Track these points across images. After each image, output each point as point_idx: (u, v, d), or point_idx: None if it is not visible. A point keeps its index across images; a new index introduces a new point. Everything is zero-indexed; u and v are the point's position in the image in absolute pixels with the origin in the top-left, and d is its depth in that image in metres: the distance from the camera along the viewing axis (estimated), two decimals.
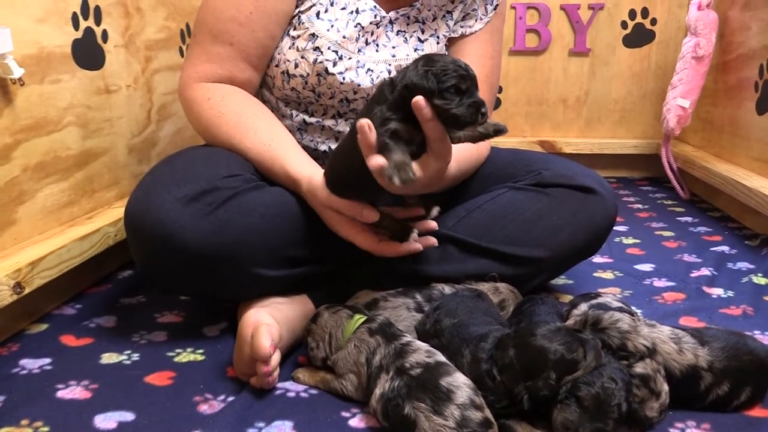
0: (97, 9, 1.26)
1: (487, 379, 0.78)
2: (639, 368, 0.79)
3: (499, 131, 0.81)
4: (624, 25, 2.23)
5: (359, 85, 1.08)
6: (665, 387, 0.79)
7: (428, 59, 0.82)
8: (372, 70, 1.09)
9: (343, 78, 1.07)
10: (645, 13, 2.22)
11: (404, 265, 1.03)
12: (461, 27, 1.17)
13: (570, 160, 1.18)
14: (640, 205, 1.93)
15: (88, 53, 1.23)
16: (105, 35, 1.29)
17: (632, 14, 2.22)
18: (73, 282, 1.20)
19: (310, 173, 0.97)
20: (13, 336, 1.05)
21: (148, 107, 1.46)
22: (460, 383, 0.75)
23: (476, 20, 1.17)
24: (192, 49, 1.10)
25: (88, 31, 1.23)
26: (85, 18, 1.22)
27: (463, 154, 1.05)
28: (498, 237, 1.06)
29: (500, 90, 2.29)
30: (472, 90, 0.79)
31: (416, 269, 1.04)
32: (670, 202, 1.96)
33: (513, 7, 2.22)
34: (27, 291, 0.98)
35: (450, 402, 0.72)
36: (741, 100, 1.77)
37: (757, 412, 0.84)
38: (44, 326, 1.09)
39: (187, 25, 1.61)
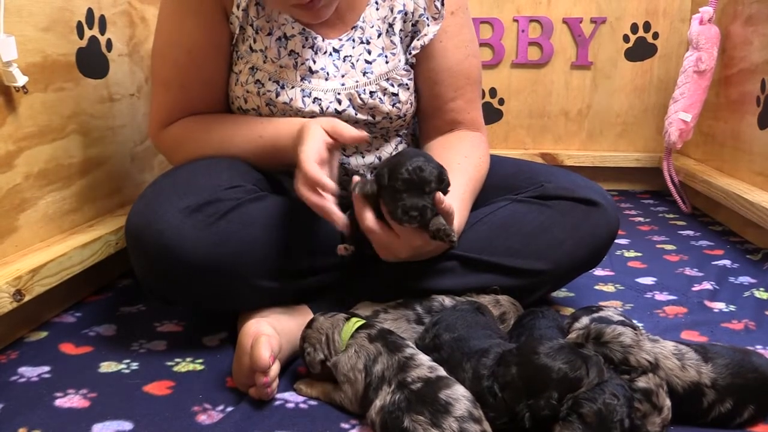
0: (102, 18, 1.26)
1: (488, 395, 0.77)
2: (641, 383, 0.78)
3: (441, 236, 0.92)
4: (626, 38, 2.24)
5: (312, 112, 1.06)
6: (668, 402, 0.78)
7: (399, 155, 0.93)
8: (320, 99, 1.07)
9: (291, 107, 1.06)
10: (647, 27, 2.22)
11: (405, 279, 1.03)
12: (418, 41, 1.11)
13: (572, 172, 1.18)
14: (641, 219, 1.93)
15: (92, 62, 1.23)
16: (109, 44, 1.29)
17: (634, 28, 2.23)
18: (74, 290, 1.20)
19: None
20: (12, 343, 1.05)
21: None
22: (458, 396, 0.74)
23: (428, 24, 1.11)
24: (152, 102, 1.12)
25: (93, 40, 1.24)
26: (90, 27, 1.23)
27: (475, 177, 1.10)
28: (499, 250, 1.05)
29: (502, 102, 2.30)
30: (412, 193, 0.89)
31: (417, 283, 1.03)
32: (671, 216, 1.96)
33: (515, 20, 2.23)
34: (27, 298, 0.98)
35: (448, 414, 0.72)
36: (743, 115, 1.78)
37: (760, 429, 0.84)
38: (43, 334, 1.09)
39: None
